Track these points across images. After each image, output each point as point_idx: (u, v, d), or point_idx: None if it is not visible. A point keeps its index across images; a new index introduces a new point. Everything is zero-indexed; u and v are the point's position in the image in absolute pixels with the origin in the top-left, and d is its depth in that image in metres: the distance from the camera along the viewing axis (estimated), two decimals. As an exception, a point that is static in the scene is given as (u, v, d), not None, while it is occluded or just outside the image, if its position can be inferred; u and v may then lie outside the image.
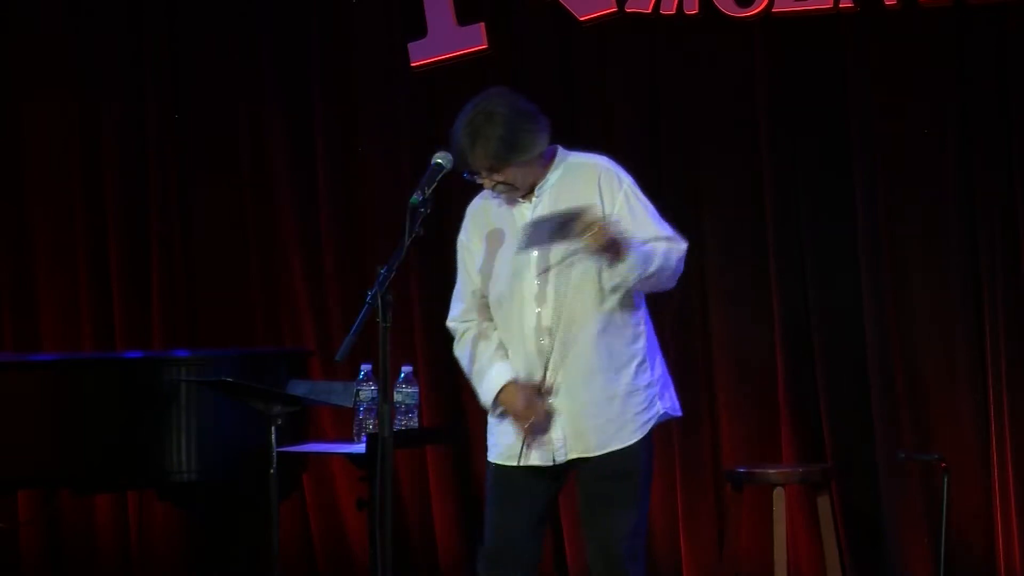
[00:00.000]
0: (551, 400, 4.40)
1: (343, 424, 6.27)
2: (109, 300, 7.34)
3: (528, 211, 4.43)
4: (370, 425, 5.73)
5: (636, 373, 4.46)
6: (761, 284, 6.61)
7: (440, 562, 6.93)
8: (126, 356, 6.79)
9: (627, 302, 4.45)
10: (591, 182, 4.44)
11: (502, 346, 4.48)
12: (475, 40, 6.81)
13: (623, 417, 4.43)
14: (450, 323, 4.56)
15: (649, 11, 6.58)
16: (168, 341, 7.22)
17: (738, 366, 6.64)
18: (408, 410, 5.76)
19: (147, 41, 7.33)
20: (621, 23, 6.66)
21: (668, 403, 4.54)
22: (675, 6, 6.54)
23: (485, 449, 4.57)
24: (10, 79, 7.45)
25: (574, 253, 4.35)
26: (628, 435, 4.44)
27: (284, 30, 7.19)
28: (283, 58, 7.18)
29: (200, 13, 7.28)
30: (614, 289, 4.39)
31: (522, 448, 4.42)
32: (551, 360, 4.38)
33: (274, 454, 5.43)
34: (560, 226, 4.24)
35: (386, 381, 4.07)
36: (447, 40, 6.84)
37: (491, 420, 4.54)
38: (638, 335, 4.48)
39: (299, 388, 5.91)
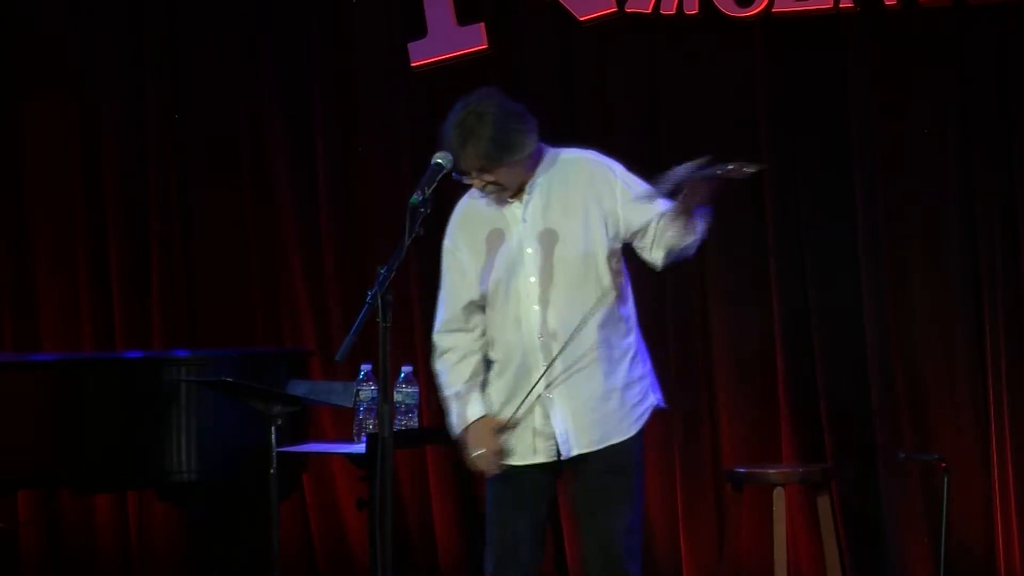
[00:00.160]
0: (550, 396, 4.41)
1: (343, 424, 6.27)
2: (109, 300, 7.34)
3: (519, 211, 4.45)
4: (370, 425, 5.73)
5: (631, 366, 4.51)
6: (761, 284, 6.60)
7: (440, 562, 6.93)
8: (126, 356, 6.79)
9: (621, 295, 4.48)
10: (581, 176, 4.47)
11: (480, 371, 4.51)
12: (475, 40, 6.82)
13: (622, 411, 4.47)
14: (434, 336, 4.57)
15: (649, 11, 6.58)
16: (168, 341, 7.22)
17: (738, 366, 6.64)
18: (408, 410, 5.76)
19: (147, 41, 7.33)
20: (621, 23, 6.66)
21: (657, 394, 4.59)
22: (675, 6, 6.54)
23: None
24: (10, 79, 7.45)
25: (576, 248, 4.38)
26: (627, 428, 4.47)
27: (284, 30, 7.19)
28: (283, 58, 7.18)
29: (200, 13, 7.28)
30: (617, 275, 4.44)
31: (507, 442, 4.45)
32: (551, 357, 4.39)
33: (274, 454, 5.42)
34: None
35: (386, 381, 4.07)
36: (447, 40, 6.84)
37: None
38: (630, 328, 4.52)
39: (299, 388, 5.91)
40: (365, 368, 5.76)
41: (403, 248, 4.07)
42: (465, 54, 6.83)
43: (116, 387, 6.16)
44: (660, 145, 6.73)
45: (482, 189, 4.42)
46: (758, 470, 6.16)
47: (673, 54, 6.69)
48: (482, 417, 4.47)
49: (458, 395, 4.50)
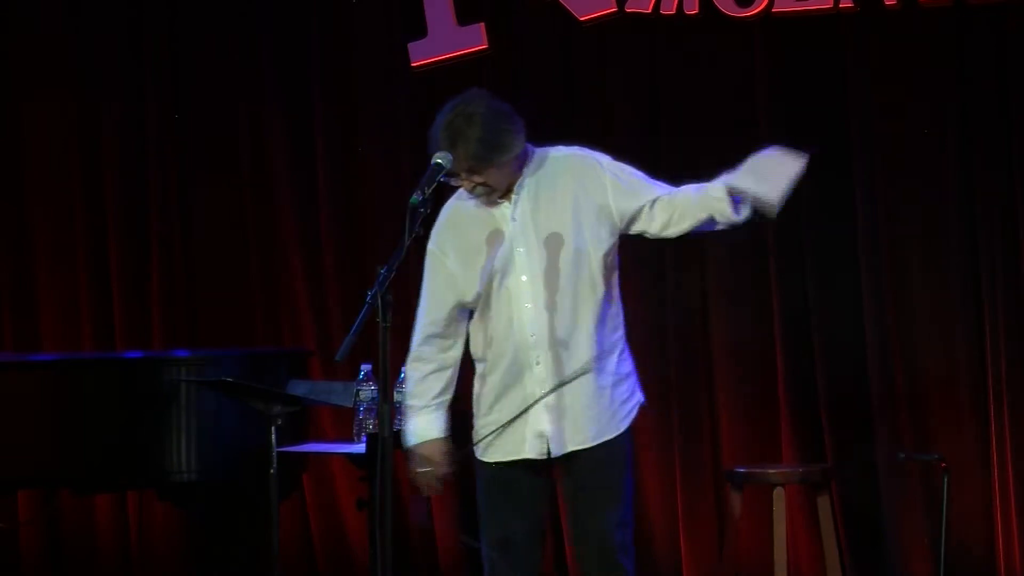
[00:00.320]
0: (541, 392, 4.42)
1: (343, 424, 6.27)
2: (109, 300, 7.34)
3: (509, 211, 4.45)
4: (370, 425, 5.72)
5: (619, 362, 4.52)
6: (761, 284, 6.61)
7: (440, 562, 6.93)
8: (126, 356, 6.79)
9: (611, 292, 4.50)
10: (569, 174, 4.47)
11: (450, 387, 4.54)
12: (475, 40, 6.82)
13: (612, 407, 4.48)
14: (412, 342, 4.58)
15: (649, 11, 6.58)
16: (168, 341, 7.22)
17: (738, 366, 6.64)
18: (408, 410, 5.75)
19: (147, 41, 7.33)
20: (621, 23, 6.66)
21: (640, 391, 4.60)
22: (675, 6, 6.55)
23: (484, 449, 4.58)
24: (10, 79, 7.45)
25: (567, 246, 4.39)
26: (618, 424, 4.49)
27: (284, 30, 7.19)
28: (283, 58, 7.19)
29: (200, 13, 7.29)
30: (610, 271, 4.48)
31: (499, 441, 4.48)
32: (545, 354, 4.40)
33: (274, 454, 5.43)
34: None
35: (386, 381, 4.07)
36: (447, 40, 6.85)
37: (478, 418, 4.56)
38: (618, 324, 4.53)
39: (299, 388, 5.91)
40: (365, 368, 5.76)
41: (403, 248, 4.07)
42: (465, 54, 6.83)
43: (116, 387, 6.16)
44: (660, 145, 6.73)
45: (471, 190, 4.43)
46: (758, 470, 6.15)
47: (673, 54, 6.70)
48: (442, 437, 4.50)
49: (423, 408, 4.52)
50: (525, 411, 4.42)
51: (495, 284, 4.44)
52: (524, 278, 4.43)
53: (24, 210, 7.45)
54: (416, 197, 4.11)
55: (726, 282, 6.67)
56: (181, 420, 6.07)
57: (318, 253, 7.13)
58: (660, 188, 4.53)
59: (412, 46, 6.91)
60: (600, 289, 4.45)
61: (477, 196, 4.44)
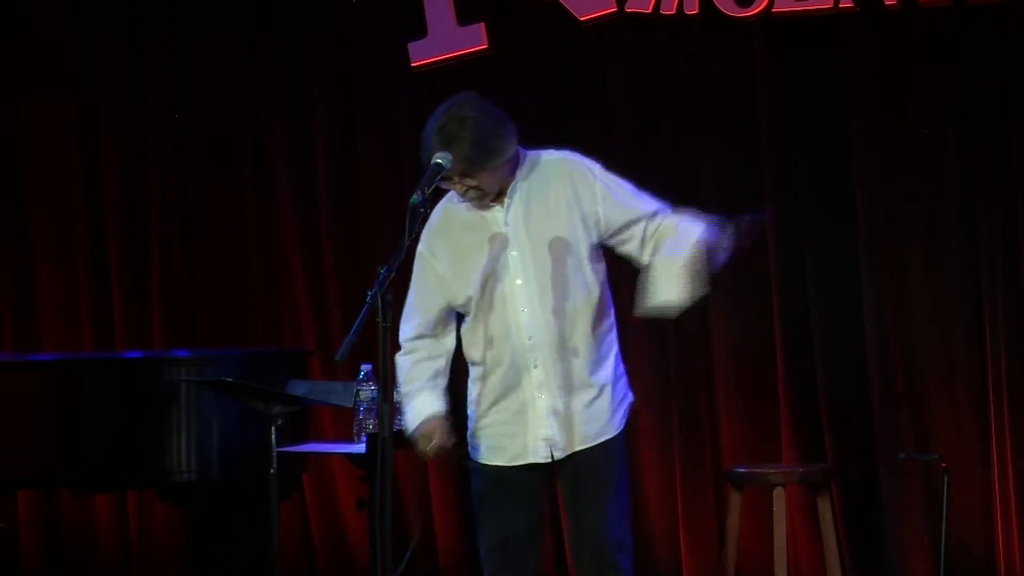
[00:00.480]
0: (541, 396, 4.43)
1: (343, 424, 6.27)
2: (109, 300, 7.34)
3: (500, 215, 4.46)
4: (370, 425, 5.72)
5: (614, 363, 4.54)
6: (761, 284, 6.61)
7: (440, 562, 6.94)
8: (126, 356, 6.79)
9: (604, 294, 4.51)
10: (562, 177, 4.47)
11: (443, 374, 4.55)
12: (475, 40, 6.82)
13: (609, 408, 4.50)
14: (400, 337, 4.58)
15: (649, 11, 6.58)
16: (168, 341, 7.22)
17: (738, 366, 6.65)
18: (408, 410, 5.75)
19: (147, 41, 7.33)
20: (621, 23, 6.66)
21: (630, 391, 4.61)
22: (675, 6, 6.55)
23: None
24: (10, 79, 7.46)
25: (560, 249, 4.39)
26: (616, 424, 4.51)
27: (284, 30, 7.19)
28: (283, 58, 7.19)
29: (200, 13, 7.29)
30: (600, 273, 4.48)
31: (499, 444, 4.49)
32: (543, 357, 4.41)
33: (274, 454, 5.42)
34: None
35: (386, 381, 4.07)
36: (447, 40, 6.85)
37: (475, 421, 4.56)
38: (611, 325, 4.54)
39: (299, 388, 5.90)
40: (365, 368, 5.75)
41: (403, 248, 4.08)
42: (465, 54, 6.83)
43: (116, 387, 6.16)
44: (660, 145, 6.73)
45: (463, 194, 4.43)
46: (758, 470, 6.15)
47: (673, 54, 6.70)
48: (442, 413, 4.49)
49: (419, 391, 4.52)
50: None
51: (489, 289, 4.44)
52: (519, 282, 4.43)
53: (24, 210, 7.45)
54: (416, 197, 4.12)
55: (726, 282, 6.67)
56: (181, 420, 6.07)
57: (318, 253, 7.13)
58: (649, 204, 4.48)
59: (412, 46, 6.91)
60: (594, 291, 4.46)
61: (469, 200, 4.44)
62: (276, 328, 7.20)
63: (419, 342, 4.54)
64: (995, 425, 6.33)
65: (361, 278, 6.82)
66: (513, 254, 4.44)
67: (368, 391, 5.74)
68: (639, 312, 4.39)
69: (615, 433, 4.50)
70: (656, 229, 4.45)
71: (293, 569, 7.01)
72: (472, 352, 4.53)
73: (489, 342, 4.47)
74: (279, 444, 5.48)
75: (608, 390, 4.50)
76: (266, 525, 5.45)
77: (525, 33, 6.87)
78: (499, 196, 4.46)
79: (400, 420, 4.64)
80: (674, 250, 4.37)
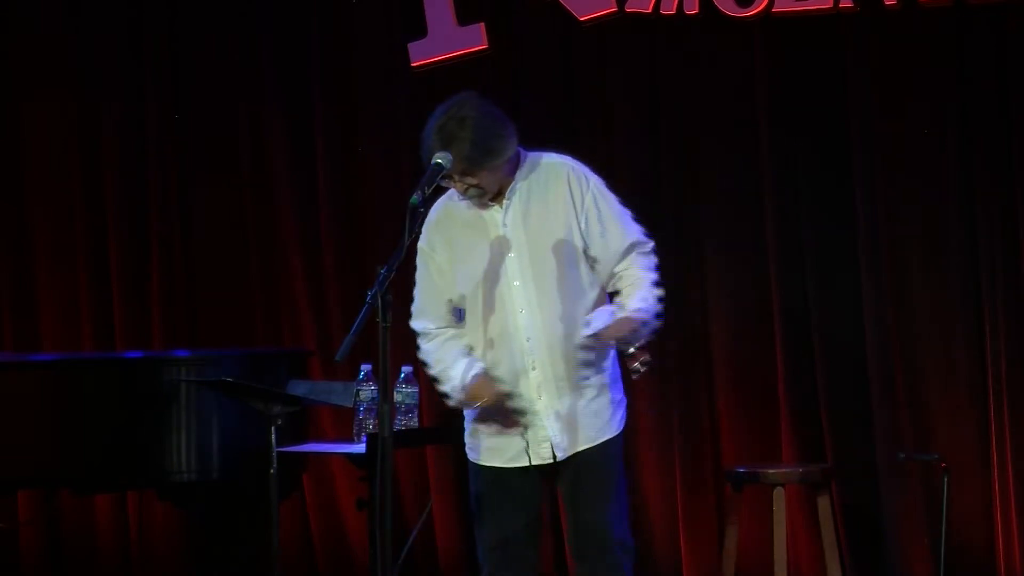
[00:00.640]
0: (541, 398, 4.43)
1: (343, 424, 6.27)
2: (109, 300, 7.34)
3: (499, 215, 4.47)
4: (370, 425, 5.72)
5: (611, 365, 4.57)
6: (761, 284, 6.61)
7: (440, 562, 6.94)
8: (126, 356, 6.79)
9: (602, 296, 4.53)
10: (560, 180, 4.50)
11: (468, 350, 4.52)
12: (475, 40, 6.82)
13: (609, 408, 4.53)
14: (415, 326, 4.57)
15: (649, 11, 6.58)
16: (168, 341, 7.22)
17: (738, 366, 6.64)
18: (408, 410, 5.76)
19: (147, 41, 7.33)
20: (621, 23, 6.66)
21: (625, 394, 4.62)
22: (675, 6, 6.55)
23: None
24: (10, 79, 7.46)
25: (558, 251, 4.40)
26: (616, 425, 4.54)
27: (284, 30, 7.19)
28: (283, 58, 7.19)
29: (200, 13, 7.29)
30: (593, 285, 4.50)
31: (498, 445, 4.49)
32: (541, 359, 4.41)
33: (274, 454, 5.43)
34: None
35: (386, 381, 4.07)
36: (447, 40, 6.84)
37: (474, 422, 4.57)
38: None
39: (299, 388, 5.91)
40: (365, 368, 5.76)
41: (403, 248, 4.08)
42: (465, 54, 6.83)
43: (116, 387, 6.16)
44: (660, 145, 6.73)
45: (463, 193, 4.44)
46: (758, 470, 6.15)
47: (673, 54, 6.69)
48: (482, 372, 4.45)
49: (455, 359, 4.48)
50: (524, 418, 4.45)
51: (487, 290, 4.45)
52: (516, 283, 4.45)
53: (24, 210, 7.45)
54: (416, 197, 4.13)
55: (726, 282, 6.67)
56: (181, 420, 6.07)
57: (318, 253, 7.13)
58: (629, 235, 4.53)
59: (412, 46, 6.91)
60: (592, 292, 4.48)
61: (469, 198, 4.45)
62: (276, 328, 7.20)
63: (439, 330, 4.55)
64: (995, 425, 6.33)
65: (361, 278, 6.82)
66: (511, 256, 4.45)
67: (368, 391, 5.75)
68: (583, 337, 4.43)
69: (615, 433, 4.53)
70: (622, 272, 4.50)
71: (293, 569, 7.01)
72: (471, 353, 4.53)
73: (488, 343, 4.49)
74: (279, 444, 5.48)
75: (607, 391, 4.52)
76: (266, 525, 5.45)
77: (525, 33, 6.87)
78: (498, 196, 4.47)
79: (445, 394, 4.55)
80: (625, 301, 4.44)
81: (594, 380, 4.49)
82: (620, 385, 4.60)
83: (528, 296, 4.44)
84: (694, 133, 6.69)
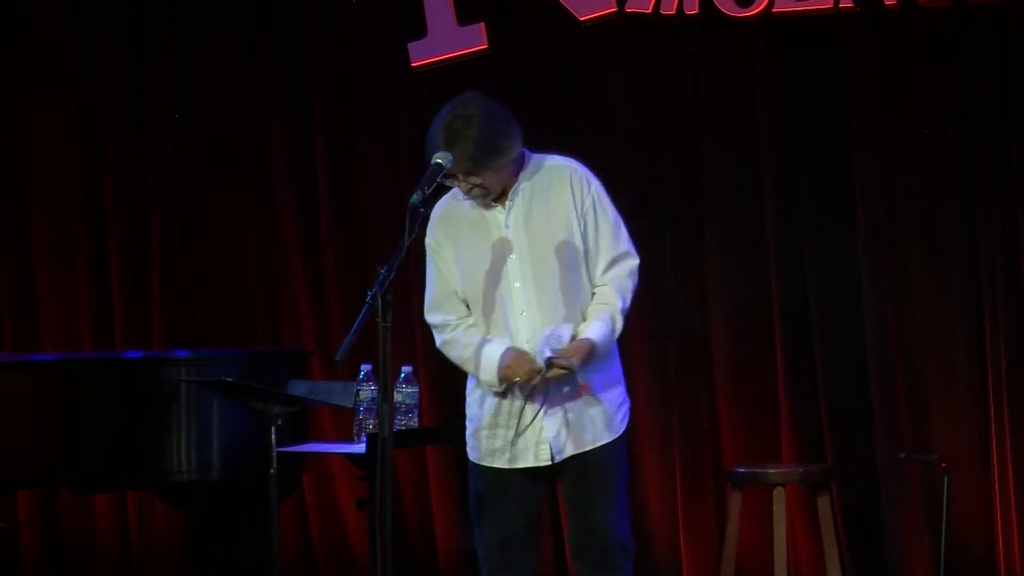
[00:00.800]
0: (541, 399, 4.43)
1: (343, 424, 6.27)
2: (109, 300, 7.33)
3: (502, 215, 4.48)
4: (370, 425, 5.72)
5: (612, 367, 4.55)
6: (761, 284, 6.61)
7: (440, 562, 6.94)
8: (126, 356, 6.79)
9: None
10: (563, 182, 4.50)
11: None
12: (475, 40, 6.81)
13: (608, 411, 4.52)
14: (438, 322, 4.57)
15: (649, 11, 6.58)
16: (168, 341, 7.22)
17: (738, 366, 6.64)
18: (408, 410, 5.76)
19: (147, 41, 7.33)
20: (621, 23, 6.66)
21: (627, 394, 4.61)
22: (675, 6, 6.54)
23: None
24: (10, 79, 7.45)
25: (560, 253, 4.40)
26: (615, 428, 4.53)
27: (284, 30, 7.19)
28: (283, 58, 7.18)
29: (200, 13, 7.28)
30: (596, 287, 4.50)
31: (498, 446, 4.47)
32: (540, 361, 4.41)
33: (274, 454, 5.42)
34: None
35: (386, 381, 4.07)
36: (447, 40, 6.84)
37: (474, 422, 4.57)
38: None
39: (299, 388, 5.91)
40: (365, 368, 5.76)
41: (403, 248, 4.09)
42: (465, 54, 6.83)
43: (116, 387, 6.16)
44: (660, 145, 6.73)
45: (467, 192, 4.45)
46: (758, 470, 6.16)
47: (673, 54, 6.69)
48: (511, 347, 4.43)
49: (482, 343, 4.45)
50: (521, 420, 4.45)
51: (488, 290, 4.45)
52: (517, 284, 4.45)
53: (24, 210, 7.45)
54: (416, 197, 4.13)
55: (726, 282, 6.67)
56: (181, 420, 6.07)
57: (318, 253, 7.13)
58: (617, 246, 4.52)
59: (412, 46, 6.91)
60: (591, 296, 4.46)
61: (473, 198, 4.45)
62: (276, 328, 7.19)
63: (459, 320, 4.54)
64: (995, 425, 6.33)
65: (361, 278, 6.82)
66: (512, 257, 4.45)
67: (368, 391, 5.75)
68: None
69: (616, 436, 4.53)
70: (599, 287, 4.49)
71: (293, 569, 7.00)
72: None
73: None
74: (279, 444, 5.48)
75: (607, 393, 4.52)
76: (266, 525, 5.45)
77: (525, 33, 6.87)
78: (502, 196, 4.47)
79: (478, 377, 4.53)
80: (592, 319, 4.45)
81: (594, 383, 4.48)
82: (622, 387, 4.59)
83: (528, 297, 4.45)
84: (694, 133, 6.69)
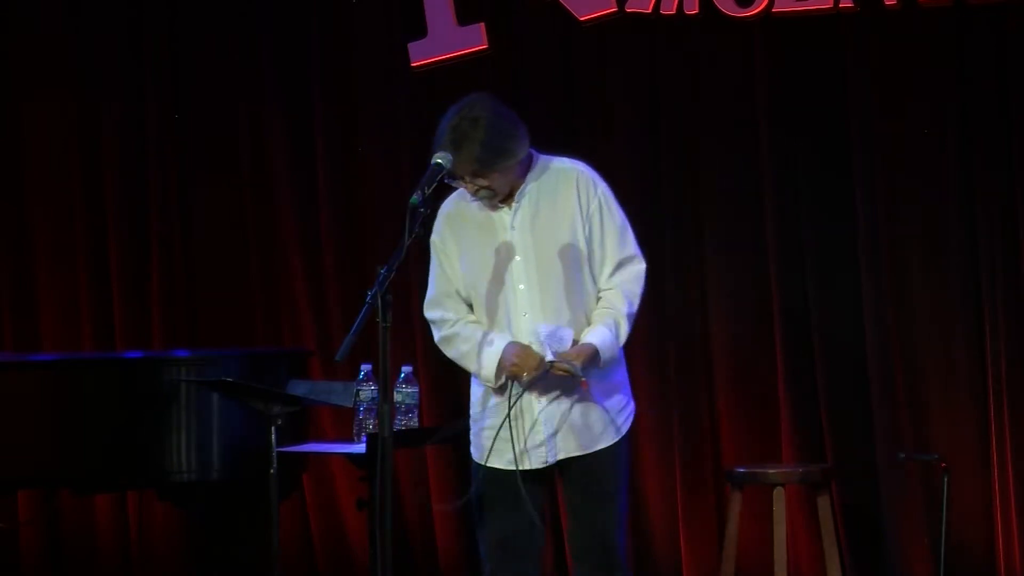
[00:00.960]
0: (541, 401, 4.43)
1: (343, 424, 6.27)
2: (109, 300, 7.33)
3: (508, 217, 4.48)
4: (370, 425, 5.72)
5: (616, 372, 4.55)
6: (761, 284, 6.61)
7: (440, 562, 6.94)
8: (126, 356, 6.79)
9: None
10: (569, 184, 4.50)
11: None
12: (475, 40, 6.81)
13: (607, 416, 4.51)
14: (428, 313, 4.57)
15: (649, 11, 6.58)
16: (168, 341, 7.22)
17: (738, 366, 6.64)
18: (408, 410, 5.76)
19: (147, 41, 7.33)
20: (621, 23, 6.66)
21: (632, 399, 4.61)
22: (675, 6, 6.55)
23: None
24: (10, 79, 7.45)
25: (564, 256, 4.40)
26: (613, 432, 4.53)
27: (284, 30, 7.19)
28: (283, 58, 7.18)
29: (200, 13, 7.28)
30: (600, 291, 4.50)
31: (498, 447, 4.47)
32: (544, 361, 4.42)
33: (274, 454, 5.42)
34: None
35: (386, 381, 4.07)
36: (447, 40, 6.84)
37: (477, 422, 4.57)
38: None
39: (299, 388, 5.90)
40: (365, 368, 5.75)
41: (403, 248, 4.09)
42: (465, 54, 6.83)
43: (116, 387, 6.16)
44: (660, 145, 6.73)
45: (474, 194, 4.45)
46: (758, 470, 6.16)
47: (673, 54, 6.69)
48: (512, 341, 4.43)
49: (484, 338, 4.45)
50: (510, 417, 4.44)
51: (492, 291, 4.45)
52: (521, 286, 4.45)
53: (24, 210, 7.45)
54: (416, 197, 4.13)
55: (726, 282, 6.67)
56: (181, 420, 6.07)
57: (318, 253, 7.13)
58: (623, 250, 4.52)
59: (412, 46, 6.91)
60: (594, 299, 4.48)
61: (480, 199, 4.45)
62: (276, 328, 7.19)
63: (457, 316, 4.53)
64: (995, 425, 6.33)
65: (361, 278, 6.82)
66: (517, 259, 4.46)
67: (368, 391, 5.74)
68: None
69: (617, 439, 4.52)
70: (604, 291, 4.49)
71: (293, 569, 7.00)
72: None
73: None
74: (279, 444, 5.48)
75: (609, 397, 4.52)
76: (266, 525, 5.45)
77: (525, 33, 6.87)
78: (508, 197, 4.47)
79: (476, 372, 4.52)
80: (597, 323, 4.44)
81: (594, 388, 4.48)
82: (626, 391, 4.58)
83: (532, 299, 4.44)
84: (694, 133, 6.69)
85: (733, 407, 6.65)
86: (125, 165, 7.35)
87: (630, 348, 4.64)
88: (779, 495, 6.06)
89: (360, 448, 5.66)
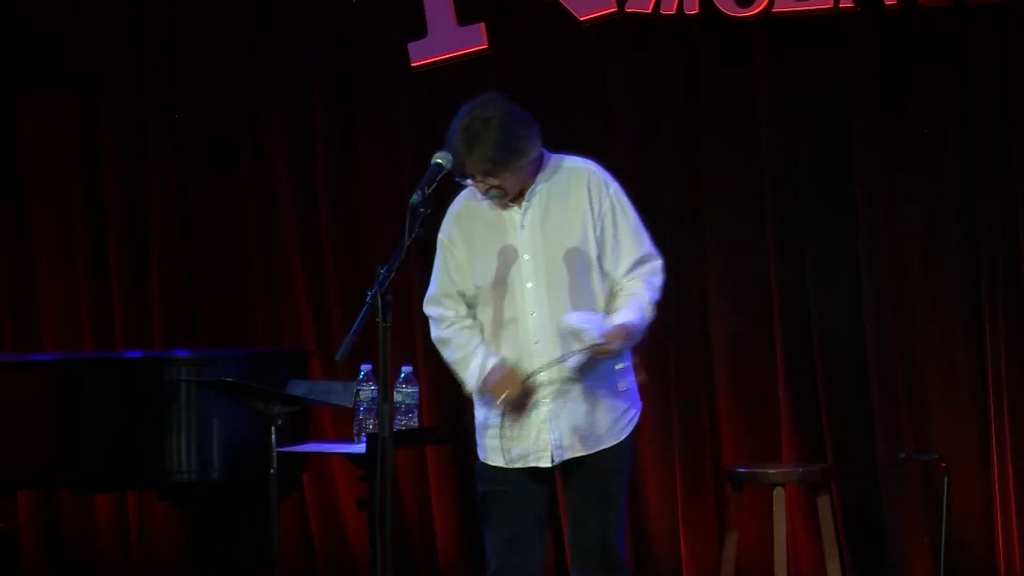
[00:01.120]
0: (546, 401, 4.43)
1: (343, 424, 6.27)
2: (109, 300, 7.33)
3: (518, 216, 4.48)
4: (370, 425, 5.72)
5: (621, 373, 4.56)
6: (761, 284, 6.61)
7: (440, 562, 6.94)
8: (126, 356, 6.79)
9: (609, 304, 4.50)
10: (580, 184, 4.50)
11: (484, 342, 4.51)
12: (475, 40, 6.81)
13: (612, 416, 4.51)
14: (428, 308, 4.58)
15: (649, 11, 6.58)
16: (168, 341, 7.22)
17: (738, 366, 6.64)
18: (408, 410, 5.76)
19: (147, 41, 7.33)
20: (621, 23, 6.66)
21: (639, 400, 4.61)
22: (675, 6, 6.55)
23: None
24: (10, 79, 7.45)
25: (573, 256, 4.40)
26: (618, 433, 4.53)
27: (284, 30, 7.19)
28: (283, 58, 7.19)
29: (200, 13, 7.29)
30: (606, 290, 4.50)
31: (502, 446, 4.48)
32: (547, 362, 4.41)
33: (274, 454, 5.42)
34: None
35: (386, 381, 4.07)
36: (447, 40, 6.84)
37: (481, 421, 4.57)
38: None
39: (299, 388, 5.91)
40: (365, 368, 5.76)
41: (403, 248, 4.09)
42: (465, 54, 6.83)
43: (116, 387, 6.16)
44: (660, 145, 6.73)
45: (485, 193, 4.45)
46: (758, 470, 6.16)
47: (673, 54, 6.69)
48: (500, 361, 4.44)
49: (476, 349, 4.47)
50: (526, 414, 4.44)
51: (500, 289, 4.45)
52: (529, 285, 4.45)
53: (24, 210, 7.45)
54: (416, 197, 4.13)
55: (726, 282, 6.67)
56: (181, 420, 6.07)
57: (318, 253, 7.13)
58: (640, 248, 4.53)
59: (412, 46, 6.91)
60: (602, 300, 4.49)
61: (491, 198, 4.45)
62: (276, 328, 7.20)
63: (457, 317, 4.54)
64: (995, 425, 6.33)
65: (361, 278, 6.82)
66: (525, 258, 4.45)
67: (368, 391, 5.75)
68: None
69: (619, 440, 4.52)
70: (624, 283, 4.49)
71: (293, 569, 7.00)
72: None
73: (496, 344, 4.48)
74: (279, 444, 5.48)
75: (614, 398, 4.52)
76: (266, 525, 5.45)
77: (525, 33, 6.87)
78: (519, 196, 4.47)
79: (463, 382, 4.54)
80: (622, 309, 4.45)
81: (605, 387, 4.48)
82: (632, 392, 4.58)
83: (540, 299, 4.44)
84: (694, 133, 6.69)
85: (733, 407, 6.65)
86: (125, 165, 7.35)
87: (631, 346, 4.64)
88: (779, 495, 6.06)
89: (360, 448, 5.66)
